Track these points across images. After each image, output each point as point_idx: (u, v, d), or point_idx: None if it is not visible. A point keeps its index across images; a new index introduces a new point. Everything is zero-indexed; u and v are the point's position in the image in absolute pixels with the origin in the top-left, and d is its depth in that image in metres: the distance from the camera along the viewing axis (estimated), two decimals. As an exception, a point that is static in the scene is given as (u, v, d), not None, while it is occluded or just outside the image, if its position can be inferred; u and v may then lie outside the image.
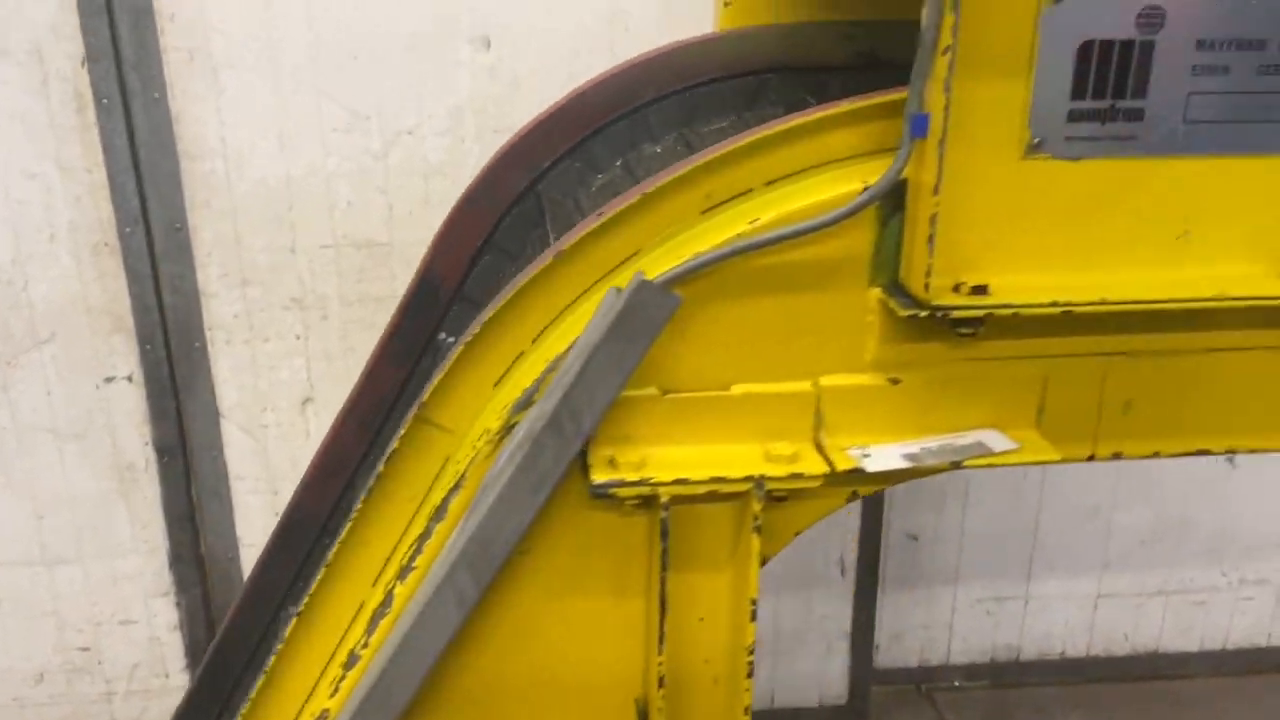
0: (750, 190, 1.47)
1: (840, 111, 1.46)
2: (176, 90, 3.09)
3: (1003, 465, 1.48)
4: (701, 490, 1.43)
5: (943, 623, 4.05)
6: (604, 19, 3.13)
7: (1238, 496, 3.96)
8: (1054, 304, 1.39)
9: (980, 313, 1.39)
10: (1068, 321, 1.46)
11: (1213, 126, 1.43)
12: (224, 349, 3.32)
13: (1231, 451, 1.62)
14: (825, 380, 1.49)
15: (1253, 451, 1.62)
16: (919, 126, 1.32)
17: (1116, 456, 1.59)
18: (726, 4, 2.28)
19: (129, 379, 3.31)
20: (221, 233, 3.19)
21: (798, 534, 1.56)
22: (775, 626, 3.90)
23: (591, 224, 1.46)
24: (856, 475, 1.46)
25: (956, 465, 1.46)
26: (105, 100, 3.08)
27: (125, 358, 3.28)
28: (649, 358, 1.44)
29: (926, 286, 1.36)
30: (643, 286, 1.33)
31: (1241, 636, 4.17)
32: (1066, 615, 4.08)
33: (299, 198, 3.19)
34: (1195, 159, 1.44)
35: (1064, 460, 1.55)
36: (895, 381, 1.50)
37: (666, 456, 1.46)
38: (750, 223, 1.42)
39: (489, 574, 1.41)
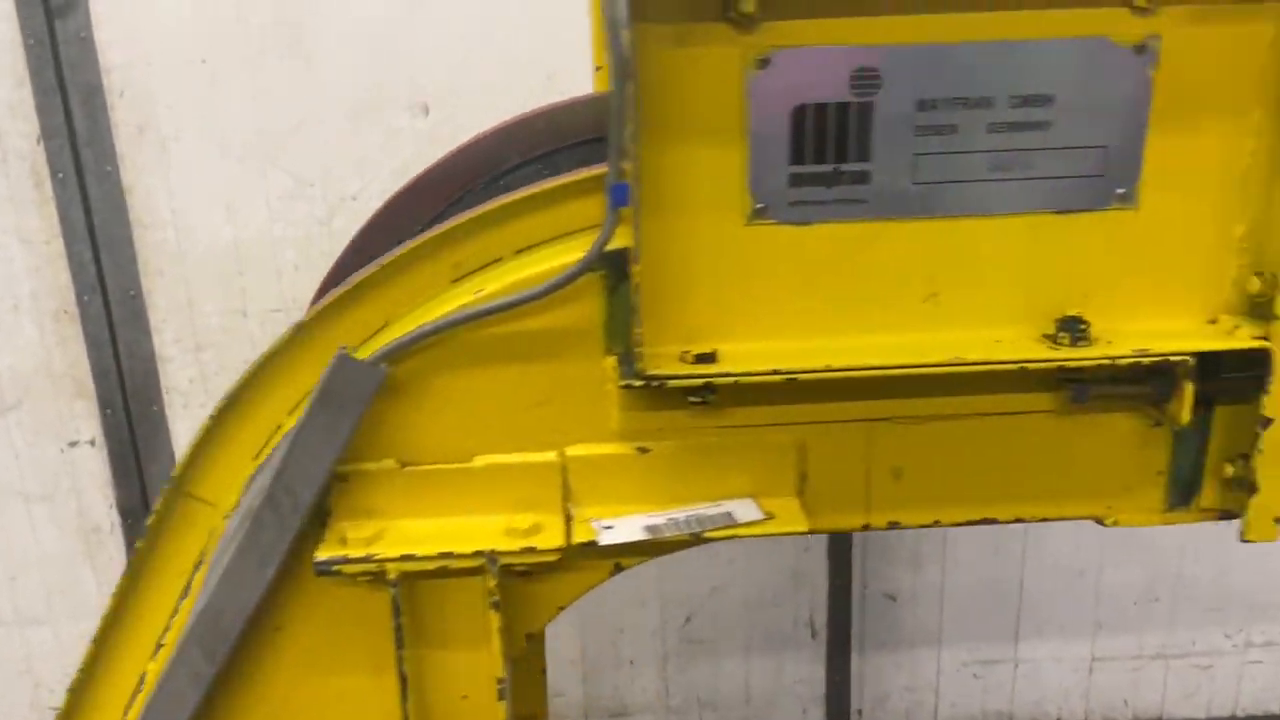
0: (500, 258, 1.47)
1: (577, 179, 1.45)
2: (128, 163, 3.21)
3: (751, 536, 1.44)
4: (431, 566, 1.41)
5: (928, 686, 3.93)
6: (540, 82, 3.16)
7: (1238, 551, 3.76)
8: (775, 371, 1.35)
9: (698, 381, 1.36)
10: (824, 387, 1.42)
11: (946, 187, 1.38)
12: (181, 413, 3.40)
13: (1020, 520, 1.55)
14: (572, 450, 1.47)
15: (1043, 520, 1.55)
16: (619, 196, 1.31)
17: (894, 526, 1.53)
18: (598, 68, 2.29)
19: (92, 443, 3.41)
20: (175, 299, 3.29)
21: (562, 608, 1.53)
22: (746, 690, 3.83)
23: (334, 295, 1.47)
24: (595, 548, 1.43)
25: (698, 538, 1.42)
26: (60, 174, 3.22)
27: (88, 422, 3.38)
28: (387, 429, 1.45)
29: (639, 355, 1.34)
30: (341, 361, 1.33)
31: (1252, 702, 3.96)
32: (1060, 679, 3.92)
33: (248, 263, 3.27)
34: (934, 220, 1.40)
35: (828, 530, 1.50)
36: (644, 451, 1.47)
37: (406, 531, 1.45)
38: (475, 293, 1.42)
39: (222, 650, 1.41)
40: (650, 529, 1.42)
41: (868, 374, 1.38)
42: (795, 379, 1.36)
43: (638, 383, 1.35)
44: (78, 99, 3.17)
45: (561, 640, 3.82)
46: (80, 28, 3.16)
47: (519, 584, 1.48)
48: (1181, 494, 1.54)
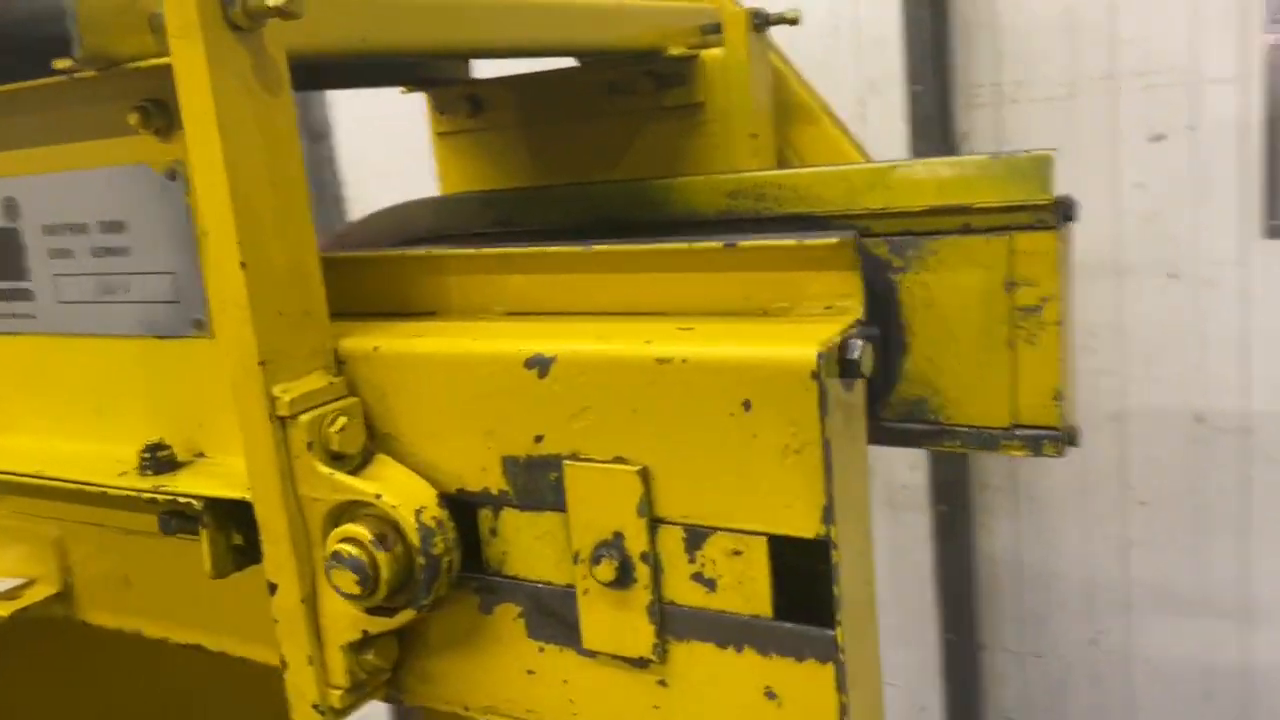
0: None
1: None
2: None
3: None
4: None
5: None
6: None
7: None
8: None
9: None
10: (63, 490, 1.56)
11: (79, 306, 1.45)
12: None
13: (226, 652, 1.49)
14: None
15: (242, 656, 1.48)
16: None
17: (139, 634, 1.57)
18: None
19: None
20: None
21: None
22: None
23: None
24: None
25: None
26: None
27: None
28: None
29: None
30: None
31: None
32: None
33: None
34: (86, 338, 1.47)
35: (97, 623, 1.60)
36: (-41, 522, 1.70)
37: None
38: None
39: None
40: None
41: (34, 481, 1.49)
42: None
43: None
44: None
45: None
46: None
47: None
48: (348, 659, 1.38)
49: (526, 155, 2.29)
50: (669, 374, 1.07)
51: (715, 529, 1.09)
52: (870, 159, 2.18)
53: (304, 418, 1.20)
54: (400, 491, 1.20)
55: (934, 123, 2.77)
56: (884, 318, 1.92)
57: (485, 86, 2.28)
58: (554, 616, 1.20)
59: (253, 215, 1.17)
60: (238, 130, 1.15)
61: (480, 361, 1.18)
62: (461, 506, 1.23)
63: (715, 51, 2.08)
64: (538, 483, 1.17)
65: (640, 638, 1.15)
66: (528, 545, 1.20)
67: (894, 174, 1.80)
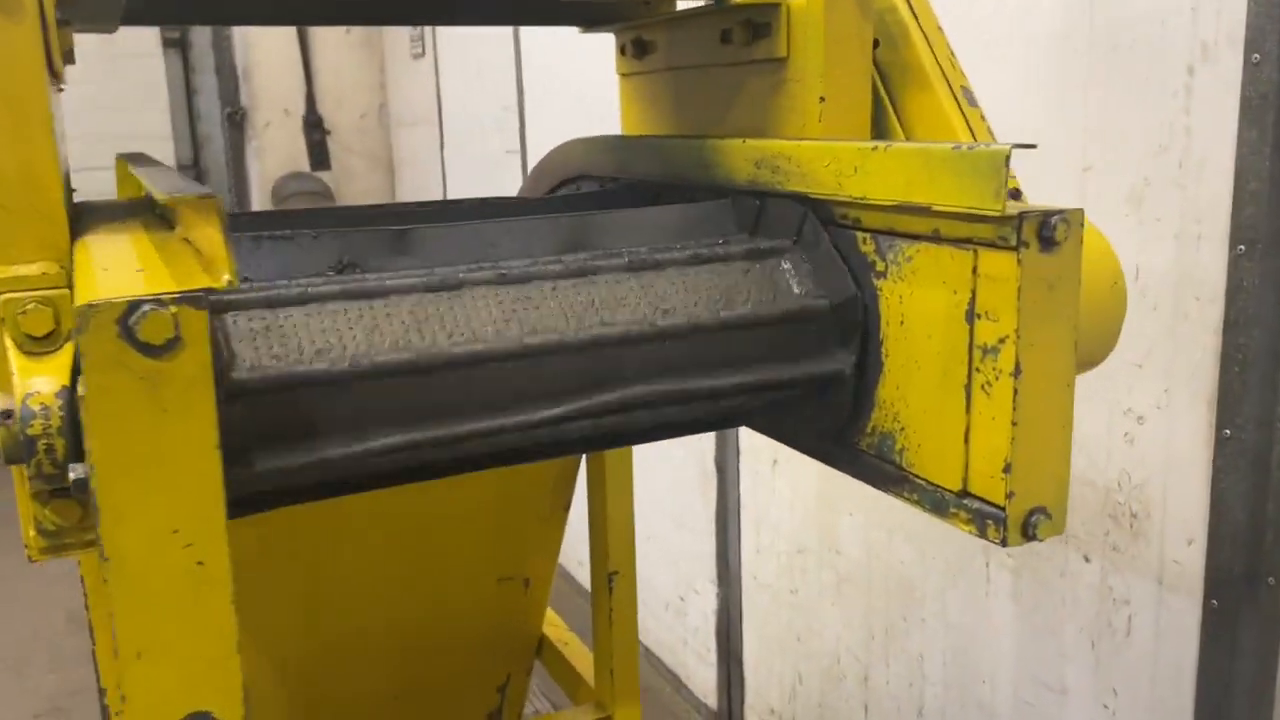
0: None
1: None
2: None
3: None
4: None
5: None
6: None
7: None
8: None
9: None
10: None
11: None
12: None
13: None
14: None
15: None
16: None
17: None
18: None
19: None
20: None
21: None
22: None
23: None
24: None
25: None
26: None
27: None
28: None
29: None
30: None
31: None
32: None
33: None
34: None
35: None
36: None
37: None
38: None
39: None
40: None
41: None
42: None
43: None
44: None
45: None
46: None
47: None
48: None
49: (670, 100, 2.22)
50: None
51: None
52: (985, 140, 1.78)
53: (2, 298, 1.40)
54: (35, 376, 1.36)
55: (1270, 104, 2.10)
56: (866, 330, 1.66)
57: (648, 28, 2.24)
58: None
59: (-23, 122, 1.38)
60: (-35, 49, 1.37)
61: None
62: (99, 401, 1.36)
63: (802, 1, 1.84)
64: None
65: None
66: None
67: (873, 158, 1.54)
